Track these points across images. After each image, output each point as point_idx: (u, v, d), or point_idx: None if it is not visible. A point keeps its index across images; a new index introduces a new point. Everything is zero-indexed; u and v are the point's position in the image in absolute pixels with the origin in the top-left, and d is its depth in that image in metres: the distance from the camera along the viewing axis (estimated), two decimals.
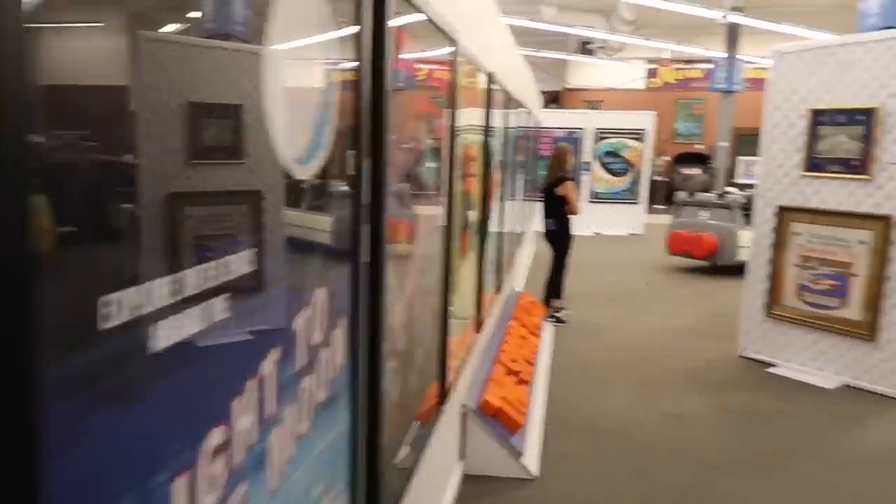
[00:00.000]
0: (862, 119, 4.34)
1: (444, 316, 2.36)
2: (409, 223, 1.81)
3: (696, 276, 8.42)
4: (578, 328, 5.75)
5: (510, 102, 4.85)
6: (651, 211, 13.25)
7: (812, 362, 4.69)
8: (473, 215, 3.16)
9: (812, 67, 4.60)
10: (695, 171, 17.03)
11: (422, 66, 1.96)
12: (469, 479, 3.03)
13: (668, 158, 19.01)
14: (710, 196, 9.05)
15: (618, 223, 12.66)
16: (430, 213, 2.10)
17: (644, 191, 12.80)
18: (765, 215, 4.91)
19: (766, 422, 3.86)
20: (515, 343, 4.23)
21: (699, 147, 19.18)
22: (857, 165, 4.38)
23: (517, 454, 3.08)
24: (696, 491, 3.05)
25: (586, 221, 12.83)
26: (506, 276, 4.97)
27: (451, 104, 2.29)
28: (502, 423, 3.15)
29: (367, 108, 1.37)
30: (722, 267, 8.27)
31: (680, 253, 8.68)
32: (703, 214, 8.72)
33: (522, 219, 7.70)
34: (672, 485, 3.10)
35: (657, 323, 6.04)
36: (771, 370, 4.77)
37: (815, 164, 4.60)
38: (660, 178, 18.41)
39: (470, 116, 2.91)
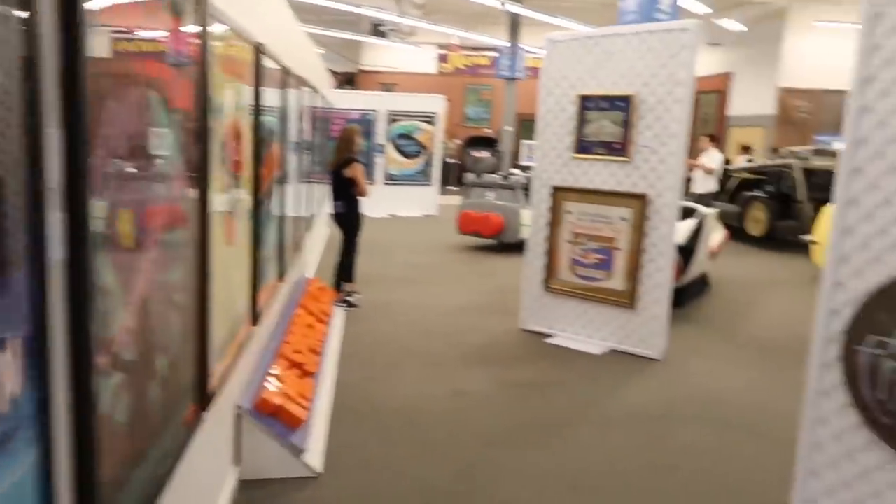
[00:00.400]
0: (622, 105, 4.70)
1: (202, 314, 2.09)
2: (140, 208, 1.54)
3: (485, 254, 8.77)
4: (370, 311, 5.67)
5: (290, 80, 4.58)
6: (444, 192, 13.62)
7: (584, 331, 5.05)
8: (244, 199, 2.89)
9: (580, 56, 4.90)
10: (484, 154, 17.80)
11: (157, 24, 1.67)
12: (247, 485, 2.80)
13: (459, 142, 19.69)
14: (496, 178, 9.46)
15: (412, 204, 12.82)
16: (173, 195, 1.82)
17: (436, 173, 13.09)
18: (541, 195, 5.17)
19: (543, 391, 4.07)
20: (301, 333, 4.02)
21: (488, 131, 20.14)
22: (619, 148, 4.75)
23: (298, 452, 2.90)
24: (478, 466, 3.10)
25: (381, 203, 12.86)
26: (291, 263, 4.71)
27: (202, 73, 2.01)
28: (282, 420, 2.94)
29: (52, 64, 1.09)
30: (508, 245, 8.70)
31: (469, 232, 8.98)
32: (490, 195, 9.09)
33: (313, 202, 7.45)
34: (455, 462, 3.12)
35: (447, 302, 6.17)
36: (549, 341, 5.06)
37: (583, 146, 4.92)
38: (452, 161, 19.02)
39: (234, 90, 2.63)
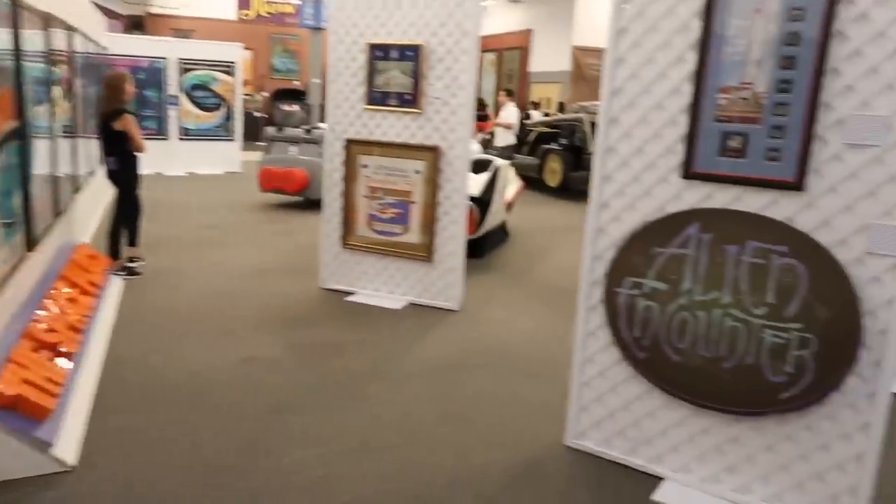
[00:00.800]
0: (411, 55, 4.60)
1: None
2: None
3: (289, 212, 8.42)
4: (157, 278, 5.18)
5: (34, 18, 3.91)
6: (250, 148, 12.86)
7: (384, 286, 4.99)
8: None
9: (370, 2, 4.69)
10: (294, 108, 17.07)
11: None
12: None
13: (266, 94, 18.73)
14: (299, 131, 9.06)
15: (212, 161, 11.98)
16: None
17: (238, 127, 12.30)
18: (334, 149, 4.96)
19: (339, 351, 3.96)
20: (59, 308, 3.53)
21: (296, 83, 19.33)
22: (410, 99, 4.66)
23: (45, 446, 2.53)
24: (265, 435, 2.93)
25: (177, 160, 11.89)
26: (49, 230, 4.12)
27: None
28: (23, 412, 2.54)
29: None
30: (314, 201, 8.40)
31: (272, 189, 8.55)
32: (293, 150, 8.70)
33: (85, 159, 6.61)
34: (240, 434, 2.92)
35: (246, 263, 5.81)
36: (349, 299, 4.94)
37: (375, 97, 4.77)
38: (259, 115, 18.06)
39: None
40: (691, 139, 2.46)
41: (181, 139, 11.83)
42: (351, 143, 4.87)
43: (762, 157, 2.34)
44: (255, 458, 2.77)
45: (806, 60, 2.22)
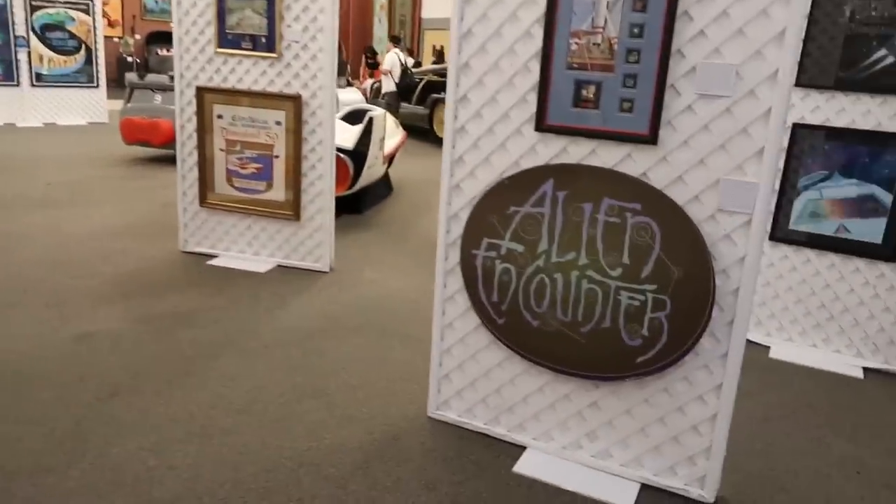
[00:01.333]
0: None
1: None
2: None
3: (155, 166, 7.76)
4: None
5: None
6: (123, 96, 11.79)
7: (249, 248, 4.63)
8: None
9: None
10: (171, 52, 15.78)
11: None
12: None
13: (139, 38, 17.29)
14: (164, 78, 8.31)
15: (74, 111, 10.94)
16: None
17: (102, 72, 11.23)
18: (186, 97, 4.48)
19: (191, 322, 3.61)
20: None
21: (172, 26, 17.90)
22: (265, 42, 4.23)
23: None
24: (90, 425, 2.58)
25: (32, 110, 10.74)
26: None
27: None
28: None
29: None
30: None
31: (136, 142, 7.84)
32: (158, 98, 7.98)
33: None
34: (62, 426, 2.56)
35: (99, 224, 5.26)
36: (211, 263, 4.56)
37: (227, 40, 4.30)
38: (132, 59, 16.69)
39: None
40: (543, 88, 2.26)
41: (34, 86, 10.68)
42: (203, 92, 4.40)
43: (616, 109, 2.17)
44: (78, 452, 2.43)
45: (658, 2, 2.04)
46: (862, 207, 3.33)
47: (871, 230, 3.32)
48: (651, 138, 2.13)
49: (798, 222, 3.48)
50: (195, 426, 2.65)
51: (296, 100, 4.23)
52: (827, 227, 3.42)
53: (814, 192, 3.43)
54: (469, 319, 2.61)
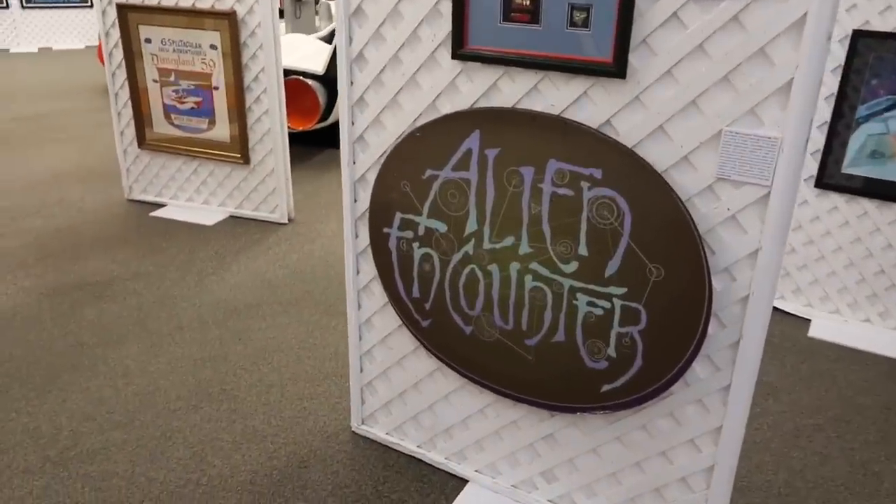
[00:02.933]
0: None
1: None
2: None
3: None
4: None
5: None
6: None
7: (198, 196, 4.02)
8: None
9: None
10: None
11: None
12: None
13: None
14: None
15: (69, 33, 10.32)
16: None
17: None
18: (109, 17, 3.77)
19: (104, 295, 3.05)
20: None
21: None
22: None
23: None
24: None
25: (24, 34, 10.16)
26: None
27: None
28: None
29: None
30: None
31: None
32: None
33: None
34: None
35: (47, 168, 4.71)
36: (155, 214, 3.97)
37: None
38: None
39: None
40: None
41: (25, 7, 10.03)
42: (124, 10, 3.67)
43: (564, 22, 1.41)
44: None
45: None
46: None
47: None
48: (617, 68, 1.37)
49: (854, 163, 2.65)
50: (54, 448, 2.11)
51: (230, 17, 3.48)
52: (893, 171, 2.59)
53: (877, 123, 2.58)
54: (391, 315, 1.96)
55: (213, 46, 3.59)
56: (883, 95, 2.56)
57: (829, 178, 2.71)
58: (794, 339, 2.72)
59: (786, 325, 2.81)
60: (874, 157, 2.61)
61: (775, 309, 2.92)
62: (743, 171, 1.32)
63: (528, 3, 1.43)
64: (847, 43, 2.58)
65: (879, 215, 2.67)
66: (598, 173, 1.44)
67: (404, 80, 1.68)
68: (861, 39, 2.55)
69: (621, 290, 1.49)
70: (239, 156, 3.77)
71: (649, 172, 1.39)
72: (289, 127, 4.65)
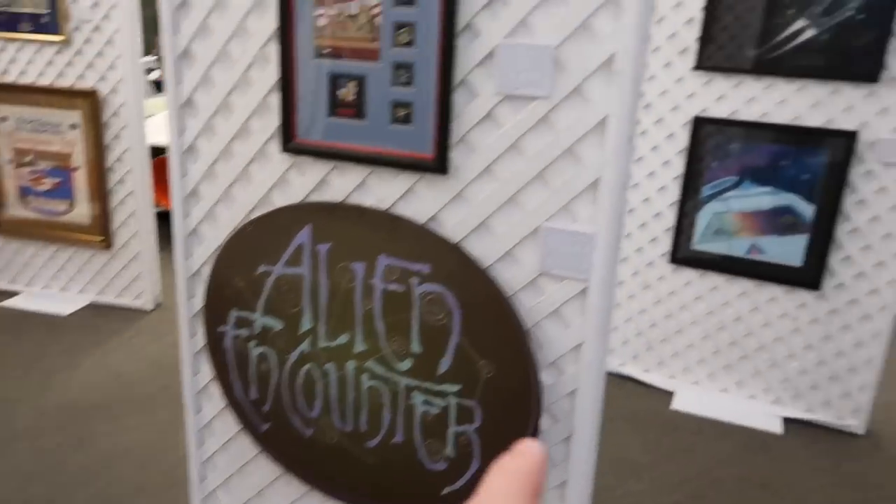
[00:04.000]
0: None
1: None
2: None
3: None
4: None
5: None
6: None
7: (55, 283, 3.75)
8: None
9: None
10: None
11: None
12: None
13: None
14: None
15: None
16: None
17: None
18: None
19: None
20: None
21: None
22: (48, 23, 3.33)
23: None
24: None
25: None
26: None
27: None
28: None
29: None
30: None
31: None
32: None
33: None
34: None
35: None
36: (6, 304, 3.65)
37: (2, 19, 3.38)
38: None
39: None
40: (287, 86, 1.47)
41: None
42: None
43: (387, 118, 1.40)
44: None
45: None
46: (777, 222, 2.66)
47: (789, 250, 2.66)
48: (439, 164, 1.37)
49: (703, 240, 2.80)
50: None
51: (91, 96, 3.34)
52: (737, 247, 2.75)
53: (720, 203, 2.74)
54: (227, 421, 1.83)
55: (73, 126, 3.43)
56: (724, 176, 2.74)
57: (682, 254, 2.84)
58: (658, 412, 2.77)
59: (651, 399, 2.86)
60: (719, 235, 2.76)
61: (641, 383, 2.99)
62: (562, 266, 1.33)
63: (352, 98, 1.42)
64: (690, 128, 2.75)
65: (729, 289, 2.81)
66: (426, 269, 1.41)
67: (237, 172, 1.62)
68: (701, 125, 2.73)
69: (455, 388, 1.44)
70: (101, 239, 3.56)
71: (475, 267, 1.38)
72: (162, 206, 4.47)
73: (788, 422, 2.76)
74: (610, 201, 1.26)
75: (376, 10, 1.34)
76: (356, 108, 1.42)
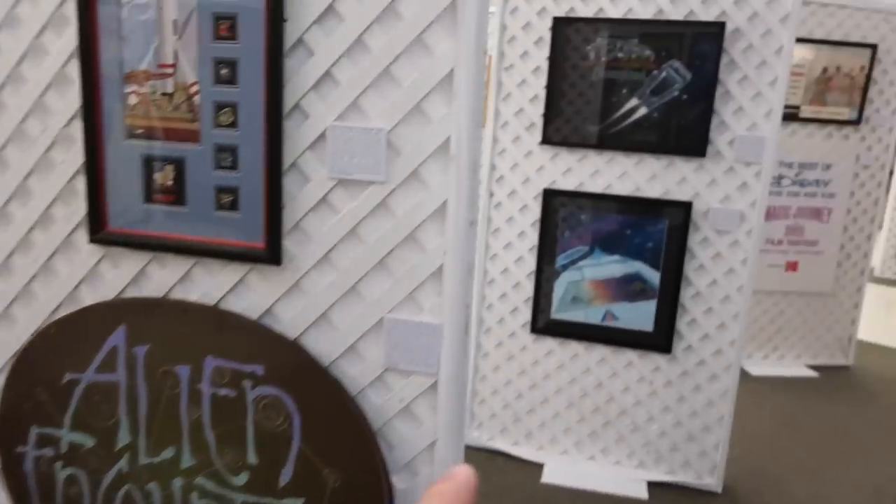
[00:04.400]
0: None
1: None
2: None
3: None
4: None
5: None
6: None
7: None
8: None
9: None
10: None
11: None
12: None
13: None
14: None
15: None
16: None
17: None
18: None
19: None
20: None
21: None
22: None
23: None
24: None
25: None
26: None
27: None
28: None
29: None
30: None
31: None
32: None
33: None
34: None
35: None
36: None
37: None
38: None
39: None
40: (93, 170, 1.31)
41: None
42: None
43: (211, 205, 1.27)
44: None
45: (254, 22, 1.18)
46: (628, 289, 2.75)
47: (641, 316, 2.75)
48: (270, 254, 1.25)
49: (560, 309, 2.83)
50: None
51: None
52: (593, 314, 2.80)
53: (574, 272, 2.80)
54: None
55: None
56: (576, 246, 2.80)
57: (542, 323, 2.85)
58: (528, 487, 2.71)
59: (521, 474, 2.80)
60: (575, 303, 2.81)
61: (511, 457, 2.93)
62: (410, 360, 1.23)
63: (171, 182, 1.28)
64: (541, 200, 2.81)
65: (588, 356, 2.85)
66: (260, 370, 1.27)
67: (37, 266, 1.40)
68: (551, 197, 2.80)
69: (299, 501, 1.29)
70: None
71: (315, 366, 1.25)
72: None
73: (653, 485, 2.80)
74: (454, 289, 1.19)
75: (194, 89, 1.23)
76: (176, 194, 1.28)
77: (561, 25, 2.69)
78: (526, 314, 2.89)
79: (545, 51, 2.73)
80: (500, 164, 2.85)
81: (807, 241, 4.36)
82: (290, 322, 1.27)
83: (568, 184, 2.78)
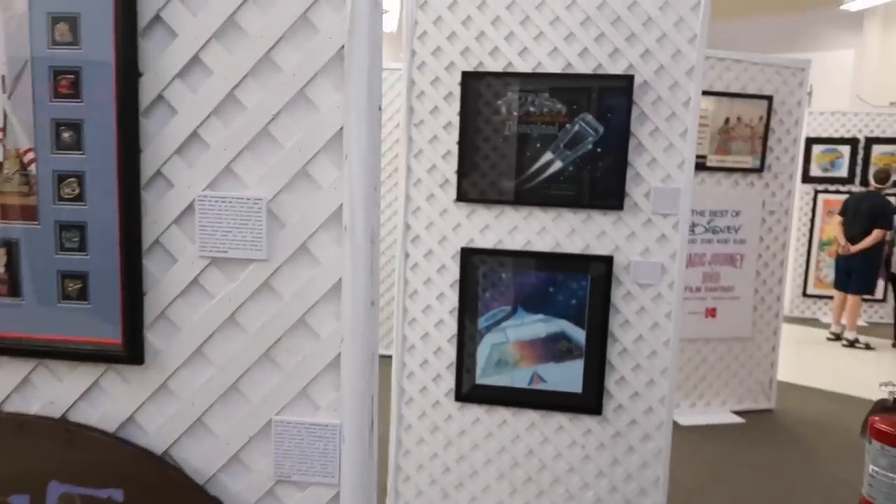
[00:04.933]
0: None
1: None
2: None
3: None
4: None
5: None
6: None
7: None
8: None
9: None
10: None
11: None
12: None
13: None
14: None
15: None
16: None
17: None
18: None
19: None
20: None
21: None
22: None
23: None
24: None
25: None
26: None
27: None
28: None
29: None
30: None
31: None
32: None
33: None
34: None
35: None
36: None
37: None
38: None
39: None
40: None
41: None
42: None
43: (55, 295, 1.05)
44: None
45: (104, 77, 1.00)
46: (554, 349, 2.62)
47: (569, 377, 2.62)
48: (130, 350, 1.03)
49: (485, 374, 2.67)
50: None
51: None
52: (519, 378, 2.65)
53: (498, 333, 2.65)
54: None
55: None
56: (498, 306, 2.66)
57: (467, 390, 2.68)
58: None
59: None
60: (501, 366, 2.66)
61: None
62: (304, 470, 1.03)
63: (1, 270, 1.05)
64: (458, 259, 2.67)
65: (517, 422, 2.68)
66: (118, 495, 1.03)
67: None
68: (469, 256, 2.66)
69: None
70: None
71: (188, 485, 1.03)
72: None
73: None
74: (355, 382, 1.01)
75: (30, 157, 1.02)
76: (8, 284, 1.05)
77: (470, 80, 2.62)
78: (449, 381, 2.71)
79: (455, 106, 2.64)
80: (414, 223, 2.70)
81: (723, 286, 4.41)
82: (156, 432, 1.05)
83: (486, 241, 2.66)
